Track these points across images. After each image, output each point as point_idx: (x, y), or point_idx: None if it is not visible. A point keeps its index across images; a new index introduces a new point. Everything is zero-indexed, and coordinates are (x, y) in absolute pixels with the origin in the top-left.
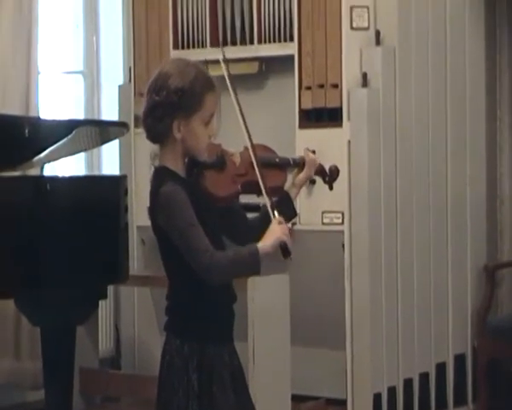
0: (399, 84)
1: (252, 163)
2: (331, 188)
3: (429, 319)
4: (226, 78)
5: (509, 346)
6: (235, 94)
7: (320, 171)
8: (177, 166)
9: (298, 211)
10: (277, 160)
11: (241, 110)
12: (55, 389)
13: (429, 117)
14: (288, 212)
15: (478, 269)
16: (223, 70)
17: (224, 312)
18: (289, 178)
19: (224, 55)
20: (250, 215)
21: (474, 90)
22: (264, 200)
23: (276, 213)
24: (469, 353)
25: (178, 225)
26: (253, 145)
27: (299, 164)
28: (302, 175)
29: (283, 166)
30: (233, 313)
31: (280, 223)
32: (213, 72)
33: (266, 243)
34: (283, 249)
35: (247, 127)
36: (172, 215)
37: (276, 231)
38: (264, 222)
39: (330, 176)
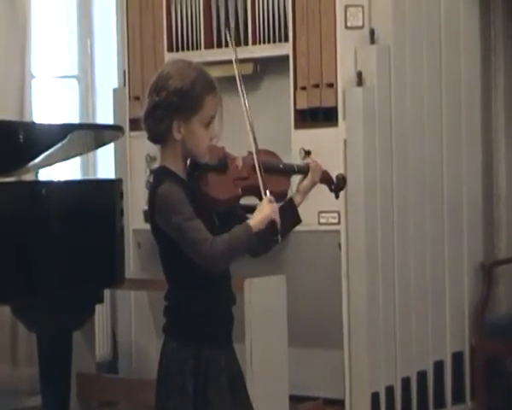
0: (394, 82)
1: (254, 167)
2: (337, 197)
3: (426, 317)
4: (237, 78)
5: (507, 344)
6: (243, 94)
7: (326, 179)
8: (177, 167)
9: None
10: (281, 166)
11: (247, 111)
12: (52, 394)
13: (424, 115)
14: (292, 218)
15: (475, 267)
16: (235, 70)
17: (223, 314)
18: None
19: (236, 55)
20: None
21: (469, 88)
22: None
23: (267, 191)
24: (467, 351)
25: (176, 221)
26: (256, 144)
27: (304, 171)
28: (306, 182)
29: (287, 172)
30: (232, 316)
31: (270, 201)
32: (214, 73)
33: (257, 219)
34: (272, 228)
35: (252, 128)
36: (170, 213)
37: (266, 209)
38: (266, 227)
39: (337, 185)
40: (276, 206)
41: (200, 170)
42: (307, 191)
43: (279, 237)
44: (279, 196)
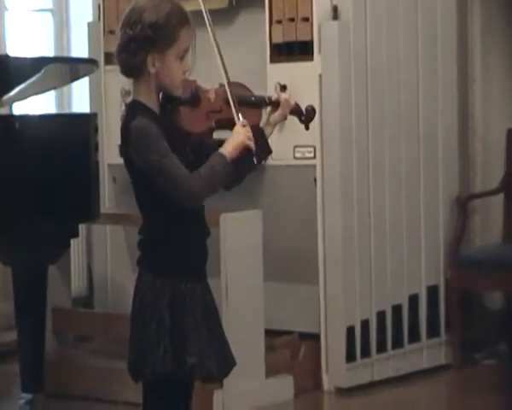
0: (370, 16)
1: (226, 99)
2: (307, 128)
3: (402, 251)
4: (204, 13)
5: (481, 277)
6: (212, 30)
7: (296, 111)
8: (150, 100)
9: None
10: (253, 98)
11: (217, 45)
12: (27, 329)
13: (400, 49)
14: (264, 149)
15: (450, 201)
16: (200, 5)
17: (197, 247)
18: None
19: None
20: None
21: (445, 23)
22: (230, 102)
23: (240, 116)
24: (442, 284)
25: (153, 158)
26: (228, 80)
27: (275, 103)
28: (277, 114)
29: (259, 104)
30: (206, 249)
31: (244, 126)
32: (187, 7)
33: (230, 146)
34: (252, 153)
35: (223, 63)
36: (145, 150)
37: (239, 135)
38: (239, 159)
39: (307, 116)
40: (249, 129)
41: (172, 103)
42: (277, 123)
43: (255, 159)
44: (251, 128)
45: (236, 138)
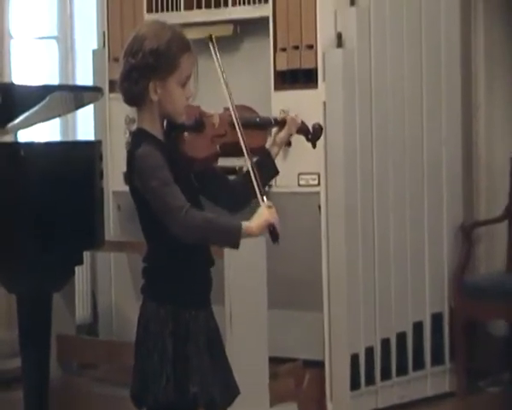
0: (374, 44)
1: (231, 123)
2: (314, 146)
3: (406, 278)
4: (214, 57)
5: (485, 305)
6: (218, 60)
7: (303, 129)
8: (155, 128)
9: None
10: (258, 119)
11: (222, 73)
12: (32, 356)
13: (404, 77)
14: (270, 170)
15: (454, 228)
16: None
17: (201, 276)
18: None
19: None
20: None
21: (448, 50)
22: (254, 185)
23: (264, 198)
24: (446, 312)
25: (153, 186)
26: (234, 108)
27: (281, 122)
28: (283, 134)
29: (264, 125)
30: (210, 278)
31: (269, 207)
32: (191, 35)
33: (253, 223)
34: (272, 233)
35: (229, 90)
36: (147, 177)
37: (264, 214)
38: (246, 183)
39: (313, 134)
40: (275, 211)
41: (177, 130)
42: (284, 143)
43: (278, 241)
44: (257, 150)
45: (262, 218)
